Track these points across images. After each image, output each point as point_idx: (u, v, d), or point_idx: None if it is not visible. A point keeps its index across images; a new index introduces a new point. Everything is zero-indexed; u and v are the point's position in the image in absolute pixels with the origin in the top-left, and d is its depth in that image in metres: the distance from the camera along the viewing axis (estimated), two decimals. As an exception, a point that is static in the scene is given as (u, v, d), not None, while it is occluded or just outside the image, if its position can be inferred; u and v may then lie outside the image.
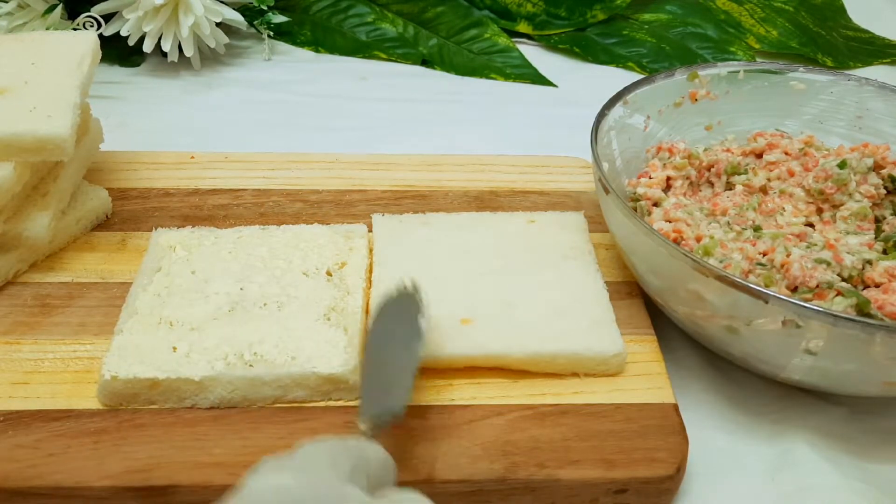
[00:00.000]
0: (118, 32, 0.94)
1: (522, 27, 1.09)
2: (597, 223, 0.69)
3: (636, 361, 0.59)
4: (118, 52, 0.97)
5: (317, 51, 1.05)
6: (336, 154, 0.79)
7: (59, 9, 0.92)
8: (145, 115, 0.91)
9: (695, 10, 1.11)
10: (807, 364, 0.54)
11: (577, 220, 0.70)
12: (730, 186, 0.68)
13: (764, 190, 0.67)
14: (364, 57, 1.04)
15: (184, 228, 0.68)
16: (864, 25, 1.13)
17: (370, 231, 0.68)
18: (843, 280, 0.57)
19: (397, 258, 0.65)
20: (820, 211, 0.65)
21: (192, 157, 0.78)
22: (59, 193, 0.66)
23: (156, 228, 0.67)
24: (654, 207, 0.65)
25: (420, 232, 0.68)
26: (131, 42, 0.94)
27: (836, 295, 0.56)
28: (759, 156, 0.70)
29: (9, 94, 0.64)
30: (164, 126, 0.89)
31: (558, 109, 0.96)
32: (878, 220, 0.64)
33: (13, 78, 0.66)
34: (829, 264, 0.57)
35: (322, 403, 0.56)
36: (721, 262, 0.58)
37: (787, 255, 0.58)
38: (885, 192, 0.65)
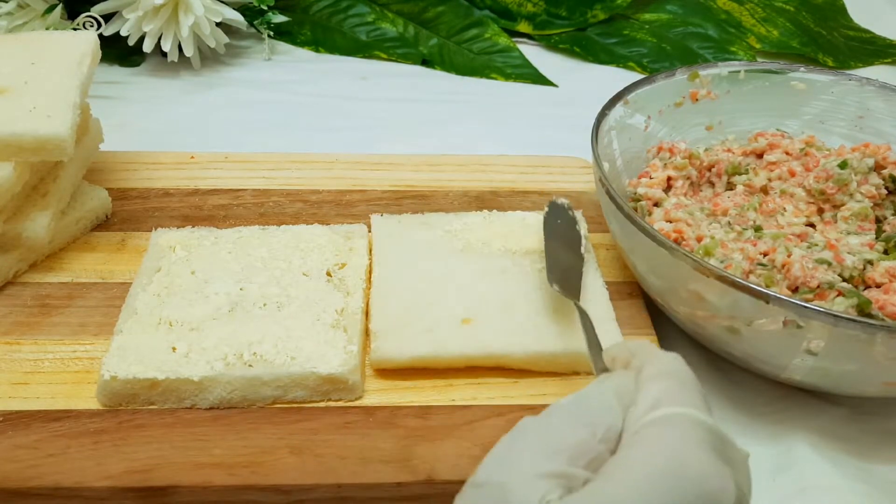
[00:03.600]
0: (118, 32, 0.94)
1: (523, 27, 1.09)
2: (597, 223, 0.69)
3: (636, 362, 0.59)
4: (118, 52, 0.97)
5: (317, 51, 1.05)
6: (336, 154, 0.79)
7: (59, 9, 0.92)
8: (145, 115, 0.91)
9: (695, 10, 1.11)
10: (807, 364, 0.53)
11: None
12: (730, 186, 0.68)
13: (765, 190, 0.67)
14: (364, 57, 1.04)
15: (184, 228, 0.68)
16: (864, 25, 1.13)
17: (370, 231, 0.68)
18: (844, 280, 0.57)
19: (397, 258, 0.65)
20: (821, 211, 0.65)
21: (192, 158, 0.78)
22: (59, 193, 0.66)
23: (156, 228, 0.67)
24: (655, 207, 0.65)
25: (420, 232, 0.68)
26: (131, 42, 0.94)
27: (837, 295, 0.55)
28: (760, 156, 0.70)
29: (9, 94, 0.64)
30: (164, 126, 0.89)
31: (558, 109, 0.95)
32: (878, 221, 0.64)
33: (13, 78, 0.66)
34: (829, 264, 0.57)
35: (322, 403, 0.56)
36: (722, 262, 0.58)
37: (788, 256, 0.58)
38: (885, 192, 0.65)
